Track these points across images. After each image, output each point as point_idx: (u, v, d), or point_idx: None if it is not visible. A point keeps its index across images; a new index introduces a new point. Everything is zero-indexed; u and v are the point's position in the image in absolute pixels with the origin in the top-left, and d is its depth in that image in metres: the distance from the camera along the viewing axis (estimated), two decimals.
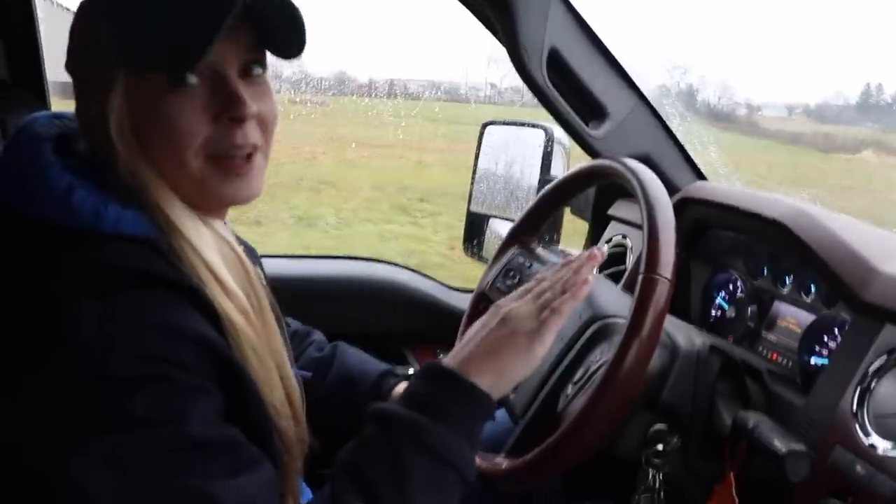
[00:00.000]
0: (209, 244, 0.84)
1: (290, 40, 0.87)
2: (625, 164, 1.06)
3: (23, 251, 0.76)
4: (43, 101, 1.49)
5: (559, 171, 1.69)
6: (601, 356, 1.06)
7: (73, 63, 0.85)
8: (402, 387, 1.20)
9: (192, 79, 0.81)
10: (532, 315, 0.93)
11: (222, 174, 0.85)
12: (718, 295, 1.41)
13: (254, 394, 0.82)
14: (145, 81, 0.81)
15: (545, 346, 0.91)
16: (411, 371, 1.68)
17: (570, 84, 1.44)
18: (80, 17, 0.84)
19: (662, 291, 0.94)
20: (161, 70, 0.81)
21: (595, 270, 0.99)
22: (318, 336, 1.32)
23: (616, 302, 1.13)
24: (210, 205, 0.88)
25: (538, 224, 1.32)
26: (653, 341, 0.94)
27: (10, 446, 0.70)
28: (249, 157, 0.86)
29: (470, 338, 0.93)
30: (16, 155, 0.80)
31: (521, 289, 0.99)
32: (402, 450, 0.81)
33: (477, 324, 0.94)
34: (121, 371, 0.70)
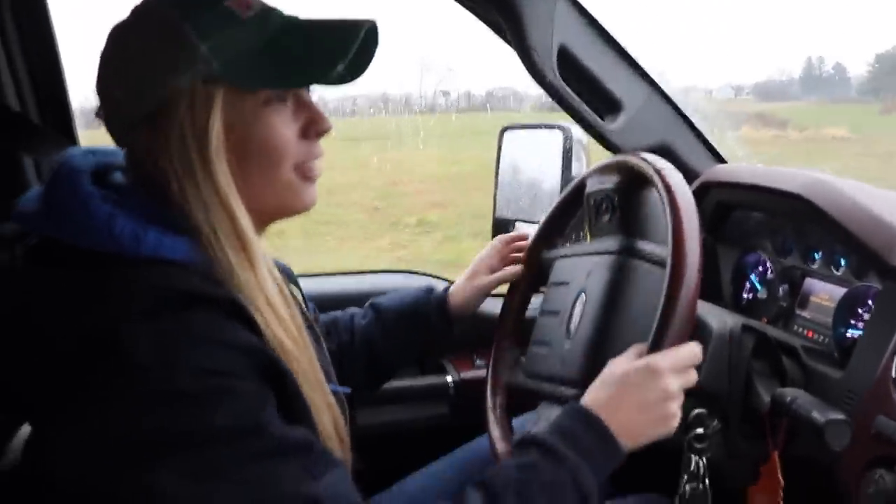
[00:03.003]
0: (266, 272, 0.86)
1: (355, 73, 0.94)
2: (647, 161, 1.06)
3: (70, 281, 0.79)
4: (72, 140, 1.53)
5: (580, 169, 1.70)
6: None
7: (148, 82, 0.84)
8: (456, 286, 1.33)
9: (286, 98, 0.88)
10: (680, 391, 0.93)
11: (307, 183, 0.92)
12: (749, 277, 1.40)
13: (304, 408, 0.85)
14: (243, 99, 0.85)
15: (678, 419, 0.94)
16: (450, 379, 1.69)
17: (583, 80, 1.44)
18: (156, 34, 0.85)
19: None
20: (274, 89, 0.86)
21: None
22: (351, 310, 1.37)
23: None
24: (284, 215, 0.93)
25: (563, 226, 1.32)
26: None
27: (96, 474, 0.72)
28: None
29: (623, 390, 0.92)
30: (57, 189, 0.83)
31: (672, 355, 0.94)
32: (560, 479, 0.86)
33: (631, 374, 0.92)
34: (189, 387, 0.72)
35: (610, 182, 1.14)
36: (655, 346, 0.92)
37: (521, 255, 1.34)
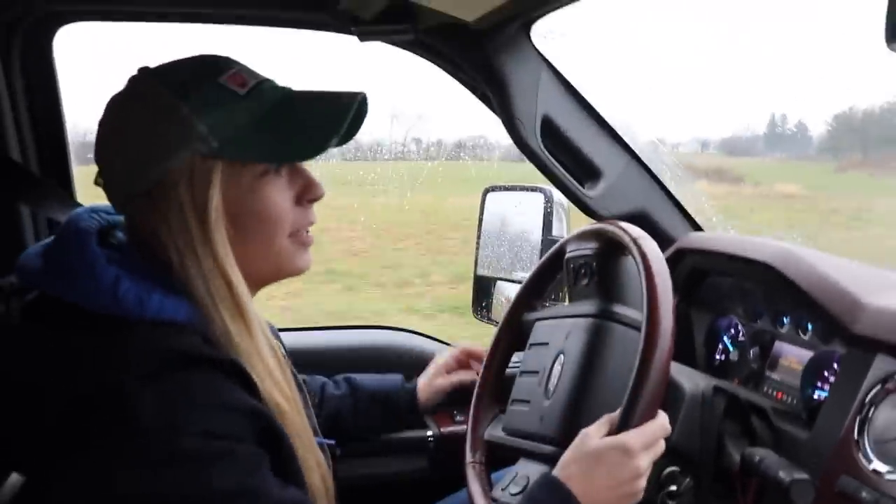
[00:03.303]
0: (261, 334, 0.89)
1: (349, 138, 0.98)
2: (623, 230, 1.11)
3: (72, 342, 0.80)
4: (70, 195, 1.56)
5: (560, 231, 1.75)
6: None
7: (148, 160, 0.86)
8: (421, 383, 1.45)
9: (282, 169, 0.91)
10: (649, 468, 0.98)
11: (301, 249, 0.95)
12: (721, 339, 1.45)
13: (297, 469, 0.87)
14: (240, 172, 0.88)
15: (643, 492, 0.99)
16: (430, 433, 1.71)
17: (564, 148, 1.51)
18: (153, 113, 0.87)
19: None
20: (273, 163, 0.89)
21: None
22: (321, 379, 1.43)
23: None
24: (277, 279, 0.96)
25: (542, 289, 1.36)
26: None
27: None
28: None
29: (595, 467, 0.95)
30: (64, 250, 0.85)
31: (644, 432, 0.98)
32: None
33: (603, 452, 0.96)
34: (191, 449, 0.74)
35: (589, 248, 1.19)
36: (630, 408, 0.96)
37: (476, 364, 1.44)
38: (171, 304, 0.83)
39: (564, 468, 0.97)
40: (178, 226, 0.85)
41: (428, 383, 1.46)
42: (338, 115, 0.90)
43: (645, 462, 0.96)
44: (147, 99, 0.87)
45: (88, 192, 0.97)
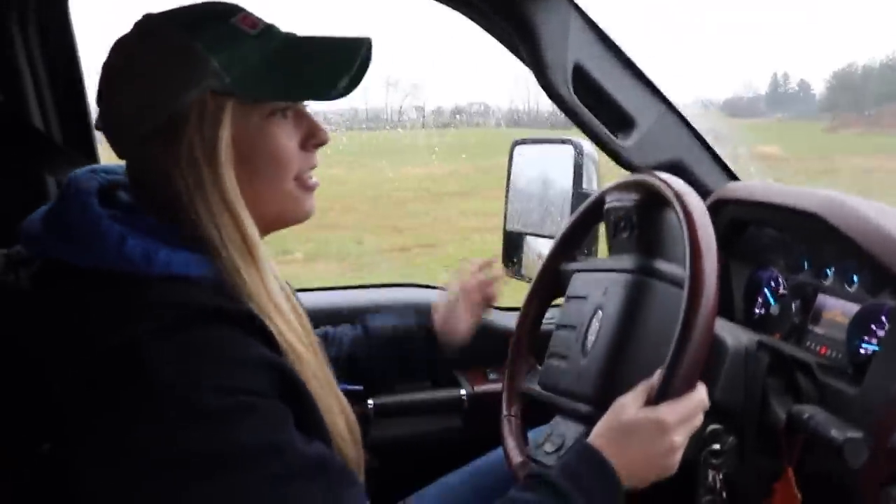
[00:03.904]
0: (272, 278, 0.88)
1: (354, 86, 0.94)
2: (666, 183, 1.07)
3: (85, 301, 0.79)
4: (94, 160, 1.54)
5: (590, 183, 1.71)
6: None
7: (158, 98, 0.85)
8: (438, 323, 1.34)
9: (289, 111, 0.90)
10: (685, 442, 0.96)
11: (306, 193, 0.94)
12: (762, 292, 1.42)
13: (316, 416, 0.86)
14: (250, 112, 0.87)
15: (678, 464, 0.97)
16: (464, 392, 1.70)
17: (596, 97, 1.46)
18: (166, 51, 0.85)
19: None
20: (281, 102, 0.89)
21: None
22: (334, 330, 1.40)
23: None
24: (284, 225, 0.95)
25: (580, 239, 1.33)
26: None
27: (120, 494, 0.73)
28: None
29: (631, 439, 0.94)
30: (65, 210, 0.83)
31: (682, 406, 0.96)
32: None
33: (640, 426, 0.94)
34: (213, 406, 0.73)
35: (630, 200, 1.15)
36: (669, 377, 0.94)
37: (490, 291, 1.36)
38: (180, 259, 0.82)
39: (599, 437, 0.96)
40: (188, 164, 0.84)
41: (443, 321, 1.35)
42: (347, 56, 0.90)
43: (680, 437, 0.95)
44: (159, 38, 0.86)
45: (113, 158, 0.95)
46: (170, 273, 0.80)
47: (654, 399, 0.95)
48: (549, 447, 1.10)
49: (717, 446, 1.06)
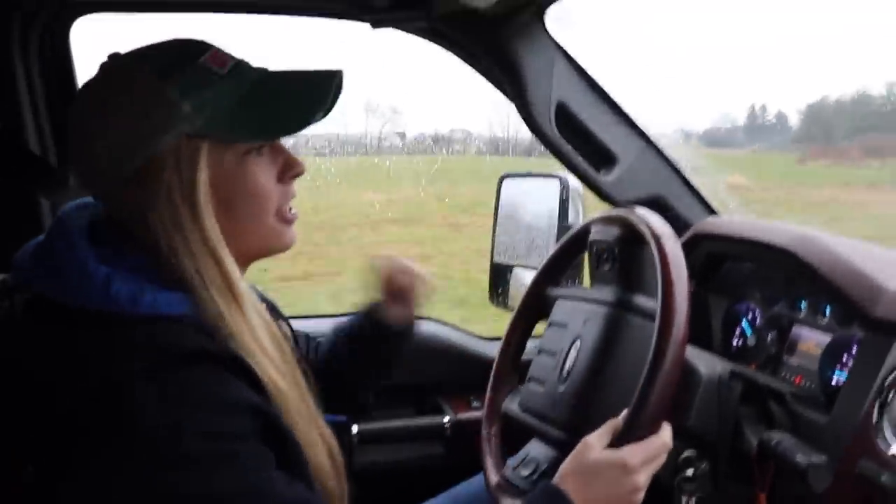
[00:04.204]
0: (255, 315, 0.89)
1: (324, 115, 0.95)
2: (643, 221, 1.11)
3: (71, 340, 0.80)
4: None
5: (576, 217, 1.74)
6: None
7: (133, 144, 0.84)
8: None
9: (265, 147, 0.90)
10: (647, 482, 0.98)
11: (285, 225, 0.94)
12: (739, 324, 1.45)
13: (298, 453, 0.87)
14: (225, 152, 0.87)
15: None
16: (447, 419, 1.72)
17: (579, 134, 1.50)
18: (138, 97, 0.85)
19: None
20: (255, 141, 0.89)
21: None
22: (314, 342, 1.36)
23: None
24: (266, 255, 0.96)
25: (565, 266, 1.36)
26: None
27: None
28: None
29: (596, 480, 0.96)
30: (54, 249, 0.84)
31: (645, 447, 0.97)
32: None
33: (604, 467, 0.96)
34: (194, 450, 0.74)
35: (612, 234, 1.19)
36: (634, 417, 0.96)
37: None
38: (164, 299, 0.82)
39: (564, 476, 0.97)
40: (166, 208, 0.84)
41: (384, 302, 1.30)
42: (320, 92, 0.90)
43: (643, 478, 0.96)
44: (129, 82, 0.85)
45: None
46: (155, 313, 0.81)
47: (618, 441, 0.97)
48: (524, 471, 1.13)
49: (690, 472, 1.09)
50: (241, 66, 0.91)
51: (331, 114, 0.94)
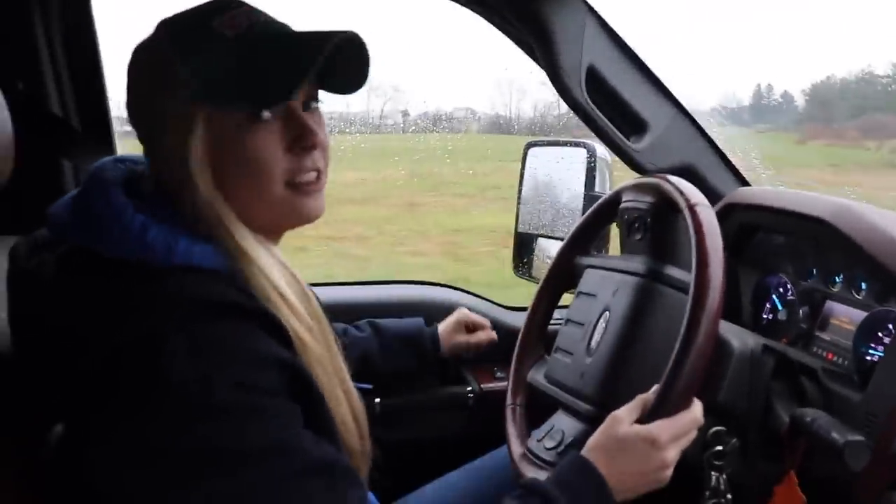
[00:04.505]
0: (276, 269, 0.89)
1: (353, 84, 0.95)
2: (678, 190, 1.08)
3: (106, 291, 0.80)
4: (110, 147, 1.57)
5: (603, 186, 1.71)
6: None
7: (143, 105, 0.90)
8: (442, 330, 1.54)
9: (267, 114, 0.87)
10: (676, 458, 0.98)
11: (301, 197, 0.91)
12: (770, 298, 1.42)
13: (323, 410, 0.87)
14: (225, 119, 0.86)
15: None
16: (470, 390, 1.71)
17: (609, 100, 1.46)
18: (147, 60, 0.89)
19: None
20: (250, 108, 0.86)
21: None
22: (342, 325, 1.45)
23: None
24: (287, 227, 0.95)
25: (594, 234, 1.34)
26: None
27: (129, 484, 0.74)
28: (318, 178, 0.93)
29: (624, 455, 0.96)
30: (89, 200, 0.85)
31: (675, 423, 0.97)
32: None
33: (633, 442, 0.96)
34: (224, 403, 0.74)
35: (644, 202, 1.16)
36: (665, 393, 0.95)
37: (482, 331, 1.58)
38: (199, 250, 0.83)
39: (593, 449, 0.97)
40: (169, 169, 0.87)
41: (448, 335, 1.54)
42: (309, 54, 0.86)
43: (672, 454, 0.96)
44: (146, 46, 0.90)
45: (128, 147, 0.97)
46: (189, 264, 0.82)
47: (648, 417, 0.96)
48: (548, 442, 1.11)
49: (719, 447, 1.07)
50: (254, 28, 0.89)
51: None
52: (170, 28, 0.89)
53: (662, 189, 1.12)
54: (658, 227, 1.14)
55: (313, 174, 0.92)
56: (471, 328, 1.58)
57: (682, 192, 1.06)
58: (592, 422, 1.01)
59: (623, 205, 1.21)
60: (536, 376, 1.25)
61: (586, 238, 1.32)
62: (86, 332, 0.78)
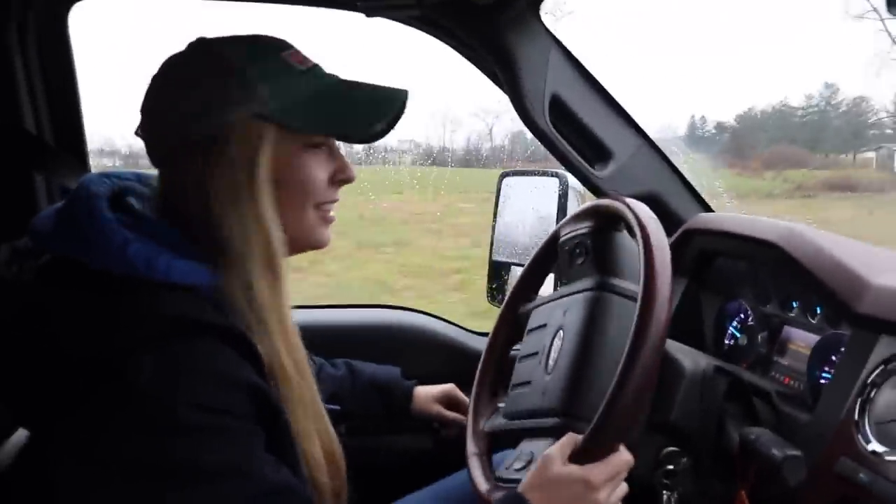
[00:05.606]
0: (287, 296, 0.93)
1: (380, 135, 0.99)
2: (618, 199, 1.10)
3: (83, 303, 0.81)
4: (83, 164, 1.58)
5: None
6: None
7: (199, 114, 0.89)
8: (420, 392, 1.52)
9: (322, 144, 0.96)
10: (608, 500, 0.97)
11: (324, 223, 0.99)
12: (730, 324, 1.43)
13: (288, 440, 0.88)
14: (288, 141, 0.92)
15: None
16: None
17: (573, 128, 1.49)
18: (215, 72, 0.91)
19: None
20: (331, 135, 0.96)
21: None
22: (318, 360, 1.45)
23: None
24: (305, 249, 1.00)
25: (538, 281, 1.35)
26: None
27: (89, 491, 0.76)
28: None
29: (559, 497, 0.95)
30: (75, 212, 0.87)
31: (607, 469, 0.97)
32: None
33: (567, 484, 0.95)
34: (186, 420, 0.75)
35: (583, 227, 1.18)
36: (596, 433, 0.95)
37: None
38: (179, 267, 0.84)
39: (529, 488, 0.97)
40: (227, 179, 0.89)
41: (427, 400, 1.53)
42: (386, 105, 0.96)
43: (605, 495, 0.96)
44: (212, 59, 0.91)
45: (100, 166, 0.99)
46: (168, 281, 0.83)
47: (576, 458, 0.96)
48: (517, 464, 1.10)
49: (671, 467, 1.08)
50: (318, 68, 0.98)
51: None
52: (237, 45, 0.93)
53: (600, 208, 1.13)
54: (599, 247, 1.15)
55: (335, 206, 1.00)
56: (453, 406, 1.56)
57: (619, 200, 1.09)
58: (560, 434, 1.01)
59: (562, 239, 1.23)
60: (495, 423, 1.24)
61: (528, 288, 1.34)
62: (57, 340, 0.79)
